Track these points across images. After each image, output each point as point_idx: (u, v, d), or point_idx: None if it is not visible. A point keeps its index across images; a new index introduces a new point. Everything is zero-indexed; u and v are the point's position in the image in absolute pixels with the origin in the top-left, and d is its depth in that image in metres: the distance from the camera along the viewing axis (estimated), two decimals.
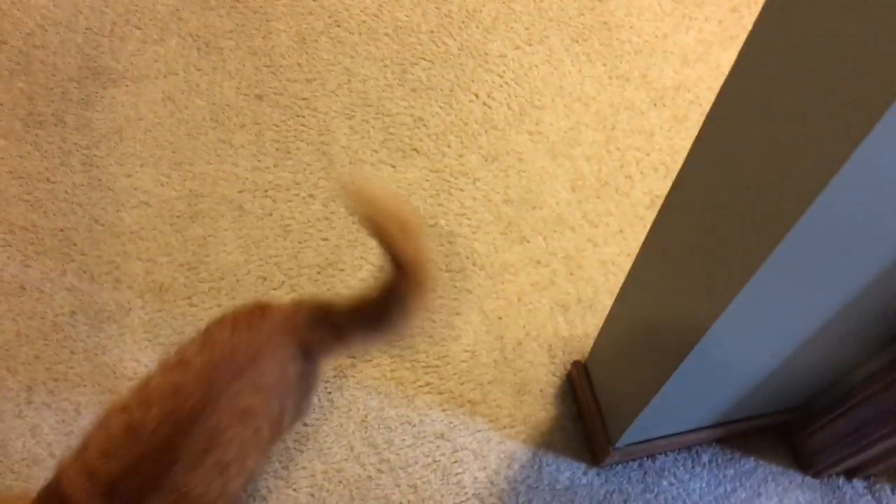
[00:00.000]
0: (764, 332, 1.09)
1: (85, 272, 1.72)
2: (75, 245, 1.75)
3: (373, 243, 1.78)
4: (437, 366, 1.68)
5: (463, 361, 1.69)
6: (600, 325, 1.73)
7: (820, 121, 0.73)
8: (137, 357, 1.63)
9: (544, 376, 1.69)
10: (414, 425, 1.61)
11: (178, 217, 1.80)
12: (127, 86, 1.97)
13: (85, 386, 1.59)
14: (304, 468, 1.55)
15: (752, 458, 1.65)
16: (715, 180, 0.94)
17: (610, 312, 1.43)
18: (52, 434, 1.54)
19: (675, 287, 1.10)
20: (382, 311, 1.16)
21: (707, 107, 2.01)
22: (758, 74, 0.80)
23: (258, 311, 1.16)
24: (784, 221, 0.81)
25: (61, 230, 1.76)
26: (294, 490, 1.52)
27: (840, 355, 1.34)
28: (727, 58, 2.14)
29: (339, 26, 2.12)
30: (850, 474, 1.63)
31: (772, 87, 0.79)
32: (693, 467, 1.62)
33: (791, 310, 1.04)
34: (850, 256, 0.93)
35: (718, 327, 1.01)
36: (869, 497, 1.62)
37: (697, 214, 1.00)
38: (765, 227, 0.85)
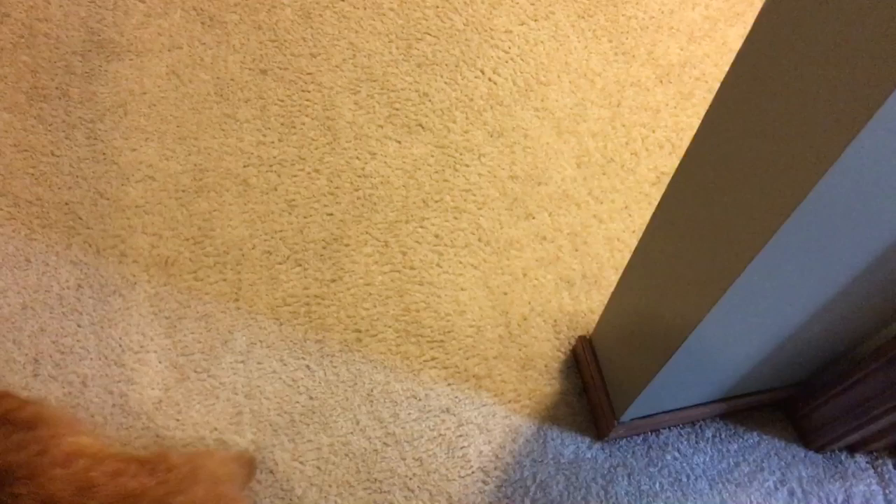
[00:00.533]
0: (769, 309, 1.10)
1: (90, 246, 1.72)
2: (80, 218, 1.75)
3: (378, 218, 1.79)
4: (442, 341, 1.68)
5: (468, 336, 1.69)
6: (605, 302, 1.74)
7: (829, 101, 0.73)
8: (143, 330, 1.63)
9: (549, 351, 1.69)
10: (419, 399, 1.62)
11: (184, 191, 1.80)
12: (131, 59, 1.96)
13: (91, 359, 1.60)
14: (310, 441, 1.55)
15: (755, 433, 1.66)
16: (722, 158, 0.94)
17: (616, 289, 1.43)
18: (58, 407, 1.54)
19: (681, 264, 1.11)
20: None
21: (713, 83, 2.01)
22: (767, 53, 0.80)
23: None
24: (790, 199, 0.82)
25: (66, 204, 1.76)
26: (300, 463, 1.53)
27: (845, 330, 1.35)
28: (734, 34, 2.13)
29: (343, 1, 2.10)
30: (852, 449, 1.64)
31: (781, 66, 0.79)
32: (697, 442, 1.63)
33: (797, 286, 1.05)
34: (857, 233, 0.93)
35: (723, 304, 1.01)
36: (871, 472, 1.63)
37: (704, 192, 1.00)
38: (771, 205, 0.85)
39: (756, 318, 1.12)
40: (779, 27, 0.78)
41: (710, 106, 0.94)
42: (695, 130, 1.96)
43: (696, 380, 1.37)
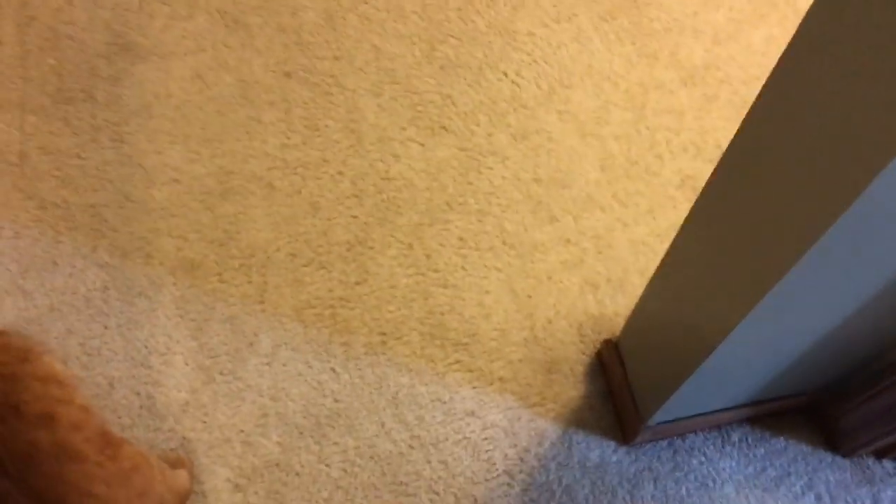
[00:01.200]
0: (803, 315, 1.09)
1: (116, 248, 1.73)
2: (106, 221, 1.76)
3: (402, 221, 1.79)
4: (466, 343, 1.68)
5: (493, 339, 1.69)
6: (630, 305, 1.74)
7: (877, 106, 0.73)
8: (169, 332, 1.64)
9: (574, 355, 1.69)
10: (444, 402, 1.62)
11: (209, 194, 1.80)
12: (156, 62, 1.97)
13: (118, 361, 1.60)
14: (335, 444, 1.56)
15: (781, 438, 1.65)
16: (763, 164, 0.93)
17: (644, 293, 1.42)
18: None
19: (715, 271, 1.10)
20: None
21: (738, 86, 2.00)
22: (811, 61, 0.80)
23: None
24: (834, 208, 0.81)
25: (92, 206, 1.77)
26: (326, 465, 1.53)
27: (875, 334, 1.34)
28: (758, 36, 2.12)
29: (366, 3, 2.11)
30: (879, 454, 1.63)
31: (826, 73, 0.78)
32: (723, 446, 1.62)
33: (835, 291, 1.04)
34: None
35: (758, 311, 1.00)
36: None
37: (742, 199, 0.99)
38: (815, 213, 0.85)
39: (789, 324, 1.12)
40: (827, 28, 0.77)
41: (751, 110, 0.93)
42: (719, 133, 1.95)
43: (724, 385, 1.37)
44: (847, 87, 0.76)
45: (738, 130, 0.97)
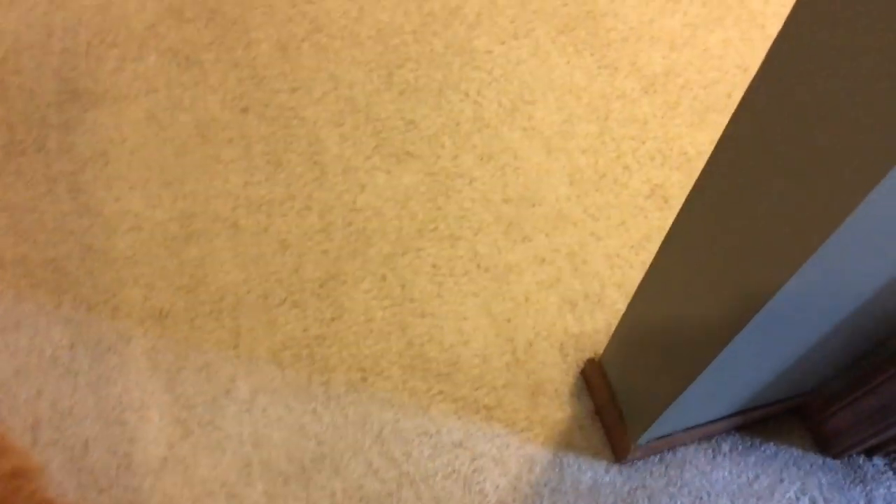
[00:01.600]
0: (799, 324, 1.08)
1: (81, 302, 1.67)
2: (68, 275, 1.70)
3: (373, 252, 1.76)
4: (448, 373, 1.65)
5: (475, 367, 1.66)
6: (609, 320, 1.72)
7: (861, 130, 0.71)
8: (142, 386, 1.59)
9: (558, 376, 1.67)
10: (431, 435, 1.59)
11: (173, 239, 1.75)
12: (108, 107, 1.92)
13: (91, 420, 1.55)
14: (322, 488, 1.52)
15: (771, 444, 1.64)
16: (747, 177, 0.91)
17: (627, 310, 1.40)
18: (60, 474, 1.50)
19: (702, 286, 1.08)
20: None
21: (699, 91, 2.00)
22: (794, 66, 0.78)
23: None
24: (832, 216, 0.78)
25: (53, 260, 1.72)
26: None
27: (865, 335, 1.33)
28: (714, 40, 2.12)
29: (319, 32, 2.08)
30: (869, 452, 1.62)
31: (812, 78, 0.76)
32: (714, 457, 1.61)
33: (831, 299, 1.02)
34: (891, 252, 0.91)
35: (753, 326, 0.98)
36: (890, 473, 1.62)
37: (728, 212, 0.97)
38: (805, 228, 0.83)
39: (786, 333, 1.10)
40: (802, 41, 0.75)
41: (735, 113, 0.89)
42: (684, 140, 1.95)
43: (715, 398, 1.35)
44: (834, 91, 0.74)
45: (726, 129, 0.93)
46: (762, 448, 1.63)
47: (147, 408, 1.57)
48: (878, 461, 1.63)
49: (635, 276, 1.76)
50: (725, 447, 1.62)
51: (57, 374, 1.59)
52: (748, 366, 1.19)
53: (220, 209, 1.80)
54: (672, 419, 1.40)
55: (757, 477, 1.60)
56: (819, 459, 1.63)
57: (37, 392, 1.57)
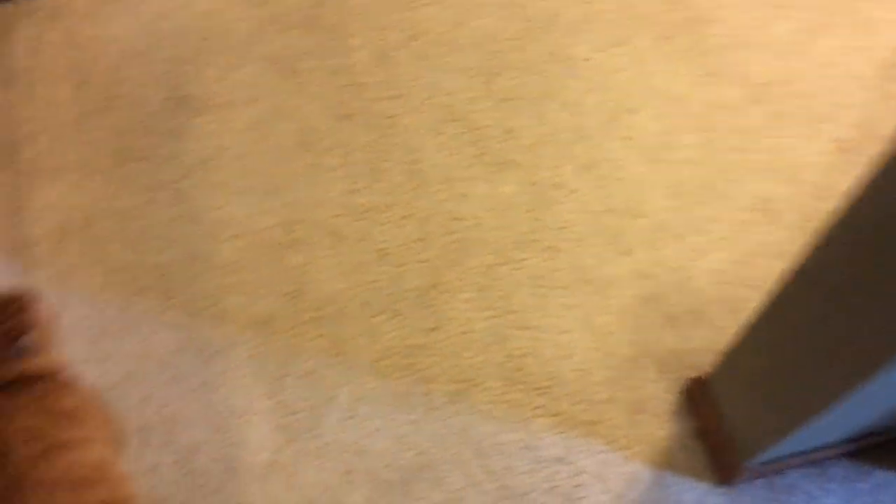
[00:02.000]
0: None
1: (186, 308, 1.71)
2: (174, 281, 1.74)
3: (473, 262, 1.75)
4: (548, 387, 1.64)
5: (574, 381, 1.64)
6: (712, 338, 1.68)
7: None
8: (246, 392, 1.62)
9: (659, 393, 1.64)
10: (531, 450, 1.57)
11: (275, 246, 1.78)
12: (212, 114, 1.95)
13: (197, 425, 1.58)
14: (423, 498, 1.52)
15: (884, 470, 1.58)
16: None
17: (744, 335, 1.36)
18: (169, 476, 1.53)
19: (842, 317, 1.04)
20: None
21: (809, 100, 1.94)
22: None
23: None
24: None
25: (158, 267, 1.76)
26: None
27: None
28: (824, 47, 2.05)
29: (417, 39, 2.08)
30: None
31: None
32: (825, 483, 1.56)
33: None
34: None
35: (884, 370, 0.94)
36: None
37: (876, 247, 0.93)
38: None
39: None
40: None
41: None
42: (793, 151, 1.89)
43: (838, 427, 1.31)
44: None
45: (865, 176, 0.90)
46: (875, 475, 1.57)
47: (251, 413, 1.60)
48: None
49: (739, 294, 1.72)
50: (836, 472, 1.57)
51: (164, 378, 1.63)
52: (878, 398, 1.15)
53: (322, 217, 1.81)
54: (784, 445, 1.36)
55: None
56: None
57: (145, 396, 1.61)
